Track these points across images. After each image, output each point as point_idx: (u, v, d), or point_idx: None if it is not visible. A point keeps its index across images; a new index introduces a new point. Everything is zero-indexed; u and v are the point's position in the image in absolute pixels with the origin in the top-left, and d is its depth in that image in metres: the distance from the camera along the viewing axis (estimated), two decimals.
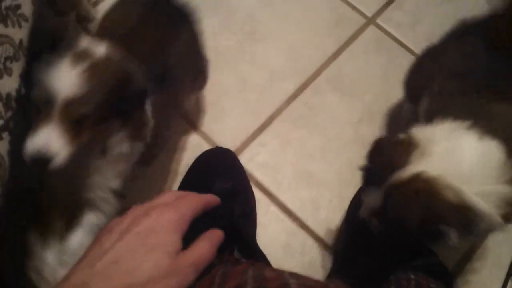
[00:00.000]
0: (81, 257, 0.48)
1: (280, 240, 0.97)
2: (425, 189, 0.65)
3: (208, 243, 0.52)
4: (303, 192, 1.02)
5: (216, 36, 1.15)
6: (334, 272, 0.89)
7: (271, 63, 1.14)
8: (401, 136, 0.71)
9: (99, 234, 0.51)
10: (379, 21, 1.20)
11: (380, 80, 1.13)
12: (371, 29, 1.19)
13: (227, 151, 1.01)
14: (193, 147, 1.03)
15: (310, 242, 0.97)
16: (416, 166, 0.66)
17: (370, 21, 1.20)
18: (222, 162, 0.98)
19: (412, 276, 0.71)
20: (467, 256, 0.98)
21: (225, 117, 1.08)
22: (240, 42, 1.15)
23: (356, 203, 0.91)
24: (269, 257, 0.87)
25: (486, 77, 0.78)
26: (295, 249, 0.96)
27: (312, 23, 1.19)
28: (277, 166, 1.04)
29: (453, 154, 0.67)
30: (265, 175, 1.03)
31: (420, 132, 0.70)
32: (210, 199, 0.58)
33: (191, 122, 1.06)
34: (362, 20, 1.20)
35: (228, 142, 1.05)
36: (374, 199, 0.71)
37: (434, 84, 0.83)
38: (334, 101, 1.11)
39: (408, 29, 1.20)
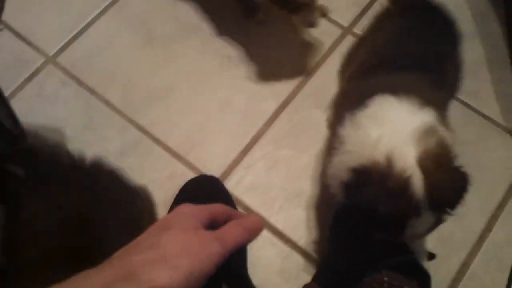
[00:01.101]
0: None
1: (274, 265, 0.95)
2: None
3: (237, 226, 0.50)
4: (294, 212, 1.00)
5: (193, 60, 1.15)
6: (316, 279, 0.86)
7: (251, 86, 1.12)
8: None
9: None
10: (356, 30, 1.19)
11: None
12: (349, 39, 1.18)
13: (212, 178, 0.99)
14: (178, 177, 1.01)
15: (304, 264, 0.94)
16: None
17: (347, 31, 1.19)
18: (207, 190, 0.97)
19: (386, 279, 0.68)
20: (468, 261, 0.95)
21: (209, 143, 1.06)
22: (219, 66, 1.15)
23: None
24: (264, 285, 0.84)
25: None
26: (290, 273, 0.94)
27: (288, 39, 1.18)
28: (266, 188, 1.02)
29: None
30: (253, 198, 1.01)
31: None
32: (236, 212, 0.56)
33: (174, 151, 1.04)
34: (339, 31, 1.19)
35: (213, 168, 1.03)
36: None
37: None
38: (318, 116, 1.09)
39: None
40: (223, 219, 0.53)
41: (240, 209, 0.99)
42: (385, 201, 0.63)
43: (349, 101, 0.82)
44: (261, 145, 1.06)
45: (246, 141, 1.06)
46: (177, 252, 0.44)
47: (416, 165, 0.65)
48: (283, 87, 1.12)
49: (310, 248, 0.96)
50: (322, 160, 1.03)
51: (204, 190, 0.96)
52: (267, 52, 1.16)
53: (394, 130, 0.68)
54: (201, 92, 1.11)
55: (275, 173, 1.04)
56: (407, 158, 0.65)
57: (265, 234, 0.97)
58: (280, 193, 1.02)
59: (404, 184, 0.63)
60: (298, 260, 0.95)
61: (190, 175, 1.01)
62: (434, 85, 0.81)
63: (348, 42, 1.17)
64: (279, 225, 0.99)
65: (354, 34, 1.18)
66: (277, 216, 1.00)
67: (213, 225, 0.52)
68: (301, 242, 0.97)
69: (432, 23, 0.92)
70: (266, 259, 0.95)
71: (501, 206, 1.00)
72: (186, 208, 0.51)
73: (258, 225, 0.52)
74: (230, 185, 1.01)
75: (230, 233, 0.49)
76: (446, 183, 0.66)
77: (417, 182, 0.64)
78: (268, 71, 1.14)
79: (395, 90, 0.73)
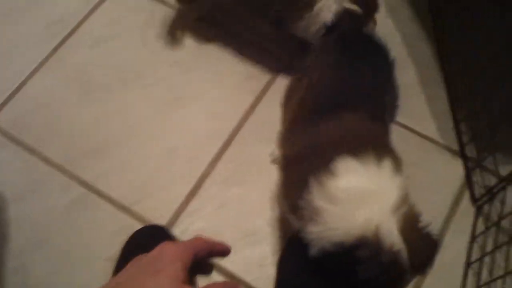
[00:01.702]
0: None
1: None
2: None
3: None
4: (246, 252, 0.99)
5: (134, 109, 1.15)
6: None
7: (194, 128, 1.13)
8: None
9: None
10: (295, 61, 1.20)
11: None
12: (286, 73, 1.19)
13: (158, 227, 0.98)
14: (126, 229, 0.99)
15: None
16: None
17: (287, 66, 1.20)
18: (153, 241, 0.95)
19: None
20: (419, 285, 0.96)
21: (154, 192, 1.05)
22: (160, 112, 1.15)
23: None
24: None
25: None
26: None
27: (227, 82, 1.19)
28: (215, 231, 1.01)
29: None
30: None
31: None
32: (219, 246, 0.55)
33: (120, 204, 1.04)
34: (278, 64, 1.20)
35: (160, 216, 1.02)
36: None
37: None
38: (262, 151, 1.10)
39: None
40: (205, 254, 0.52)
41: None
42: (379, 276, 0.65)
43: (306, 159, 0.80)
44: (208, 187, 1.06)
45: (191, 185, 1.06)
46: None
47: (400, 236, 0.65)
48: (225, 126, 1.13)
49: (266, 287, 0.95)
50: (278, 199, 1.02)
51: (150, 241, 0.94)
52: (208, 91, 1.17)
53: (374, 204, 0.67)
54: (143, 141, 1.10)
55: (224, 214, 1.03)
56: (393, 232, 0.65)
57: (217, 278, 0.96)
58: (231, 234, 1.01)
59: (395, 258, 0.64)
60: None
61: (138, 226, 1.00)
62: (379, 122, 0.84)
63: (286, 76, 1.19)
64: (233, 268, 0.98)
65: (293, 66, 1.20)
66: (230, 259, 0.98)
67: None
68: (255, 282, 0.96)
69: (365, 54, 0.94)
70: None
71: (447, 222, 1.02)
72: (172, 250, 0.51)
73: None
74: (178, 232, 1.00)
75: None
76: (422, 250, 0.68)
77: (404, 254, 0.65)
78: (209, 111, 1.15)
79: (352, 148, 0.73)
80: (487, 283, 0.90)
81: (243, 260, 0.98)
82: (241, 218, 1.03)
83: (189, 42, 1.24)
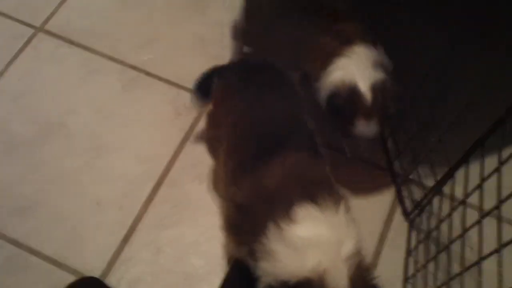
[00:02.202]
0: None
1: None
2: None
3: None
4: None
5: (59, 161, 1.12)
6: None
7: (122, 174, 1.11)
8: None
9: None
10: None
11: None
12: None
13: (90, 279, 0.96)
14: (60, 285, 0.96)
15: None
16: None
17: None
18: None
19: None
20: None
21: (86, 243, 1.03)
22: (87, 162, 1.12)
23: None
24: None
25: None
26: None
27: (153, 119, 1.18)
28: (153, 277, 1.00)
29: None
30: None
31: None
32: None
33: (53, 259, 1.01)
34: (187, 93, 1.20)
35: (94, 267, 1.00)
36: None
37: None
38: (194, 189, 1.09)
39: None
40: None
41: None
42: None
43: (260, 204, 0.79)
44: (141, 232, 1.04)
45: (124, 231, 1.04)
46: None
47: (348, 285, 0.67)
48: (155, 167, 1.12)
49: None
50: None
51: None
52: (134, 135, 1.16)
53: (327, 250, 0.69)
54: (71, 193, 1.08)
55: (161, 257, 1.02)
56: (341, 279, 0.67)
57: None
58: (170, 278, 0.99)
59: None
60: None
61: (72, 280, 0.97)
62: (319, 157, 0.86)
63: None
64: None
65: None
66: None
67: None
68: None
69: (274, 85, 0.94)
70: None
71: (382, 239, 1.03)
72: None
73: None
74: (115, 281, 0.98)
75: None
76: None
77: None
78: (137, 155, 1.13)
79: (307, 191, 0.74)
80: None
81: None
82: (179, 260, 1.01)
83: (113, 85, 1.23)
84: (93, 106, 1.20)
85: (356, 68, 0.92)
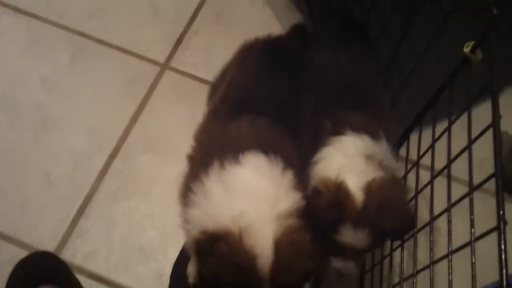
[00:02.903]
0: None
1: None
2: None
3: None
4: (141, 268, 0.97)
5: (5, 135, 1.07)
6: None
7: (72, 147, 1.07)
8: None
9: None
10: (173, 64, 1.17)
11: (190, 123, 1.09)
12: (168, 75, 1.16)
13: (44, 253, 0.93)
14: (11, 261, 0.92)
15: None
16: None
17: (164, 67, 1.17)
18: (41, 268, 0.90)
19: None
20: None
21: (37, 218, 1.00)
22: (35, 135, 1.08)
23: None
24: None
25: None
26: None
27: (105, 90, 1.14)
28: (108, 249, 0.98)
29: None
30: (96, 264, 0.96)
31: None
32: None
33: (3, 234, 0.97)
34: (156, 69, 1.17)
35: (47, 242, 0.97)
36: None
37: None
38: (148, 161, 1.06)
39: (202, 65, 1.18)
40: None
41: (84, 278, 0.94)
42: (226, 275, 0.62)
43: (219, 144, 0.76)
44: (95, 205, 1.02)
45: (77, 205, 1.01)
46: None
47: (271, 246, 0.62)
48: (108, 140, 1.08)
49: None
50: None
51: (37, 268, 0.90)
52: (85, 107, 1.11)
53: (259, 207, 0.65)
54: (18, 168, 1.04)
55: (115, 230, 1.00)
56: (262, 238, 0.63)
57: None
58: (125, 251, 0.97)
59: (250, 262, 0.61)
60: None
61: (24, 255, 0.94)
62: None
63: (168, 78, 1.15)
64: (130, 284, 0.94)
65: (172, 69, 1.17)
66: (125, 276, 0.95)
67: None
68: None
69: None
70: None
71: None
72: None
73: None
74: (68, 256, 0.95)
75: None
76: (294, 270, 0.64)
77: (265, 262, 0.62)
78: (88, 127, 1.10)
79: (265, 146, 0.72)
80: None
81: (139, 275, 0.96)
82: (134, 232, 1.00)
83: (61, 55, 1.18)
84: (40, 76, 1.14)
85: (345, 161, 0.73)
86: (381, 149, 0.75)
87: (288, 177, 0.70)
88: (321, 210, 0.69)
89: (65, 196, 1.02)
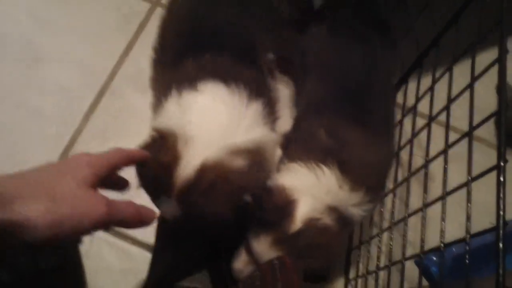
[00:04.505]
0: None
1: (115, 268, 0.89)
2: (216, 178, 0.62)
3: (132, 206, 0.52)
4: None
5: None
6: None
7: (63, 84, 1.03)
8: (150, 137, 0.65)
9: None
10: (164, 1, 1.12)
11: None
12: (159, 12, 1.11)
13: None
14: None
15: (145, 256, 0.89)
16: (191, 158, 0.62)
17: (156, 4, 1.12)
18: None
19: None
20: None
21: (25, 156, 0.96)
22: (25, 72, 1.04)
23: None
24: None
25: None
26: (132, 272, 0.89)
27: (95, 29, 1.09)
28: None
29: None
30: None
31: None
32: (134, 152, 0.58)
33: None
34: (147, 6, 1.12)
35: None
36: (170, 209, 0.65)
37: None
38: (138, 99, 1.03)
39: None
40: (122, 164, 0.55)
41: None
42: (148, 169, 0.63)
43: (181, 72, 0.74)
44: (83, 143, 0.99)
45: (64, 143, 0.98)
46: (62, 198, 0.45)
47: (194, 167, 0.62)
48: (97, 76, 1.04)
49: (149, 239, 0.91)
50: None
51: None
52: (74, 42, 1.07)
53: (209, 129, 0.64)
54: (8, 106, 1.00)
55: None
56: (192, 156, 0.62)
57: (101, 235, 0.91)
58: (111, 194, 0.95)
59: (168, 167, 0.62)
60: (139, 253, 0.90)
61: None
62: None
63: (159, 15, 1.10)
64: None
65: (163, 6, 1.12)
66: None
67: (114, 172, 0.54)
68: (139, 236, 0.92)
69: None
70: (106, 265, 0.89)
71: None
72: (81, 156, 0.51)
73: (151, 216, 0.54)
74: None
75: (122, 207, 0.50)
76: (203, 203, 0.63)
77: (181, 176, 0.61)
78: (77, 65, 1.05)
79: (226, 77, 0.69)
80: None
81: None
82: (121, 173, 0.97)
83: None
84: (31, 12, 1.09)
85: (313, 191, 0.69)
86: (351, 199, 0.70)
87: (254, 109, 0.67)
88: (265, 206, 0.68)
89: (52, 134, 0.99)
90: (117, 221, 0.50)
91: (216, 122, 0.65)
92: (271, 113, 0.70)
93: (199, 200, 0.63)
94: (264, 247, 0.68)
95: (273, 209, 0.67)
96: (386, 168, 0.76)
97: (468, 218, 0.54)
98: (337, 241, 0.72)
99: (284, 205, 0.67)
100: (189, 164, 0.61)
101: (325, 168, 0.68)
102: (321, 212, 0.67)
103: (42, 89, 1.03)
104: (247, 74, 0.72)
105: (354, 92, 0.76)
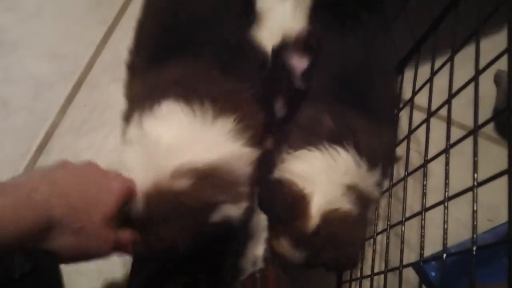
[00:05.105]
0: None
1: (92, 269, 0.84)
2: None
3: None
4: None
5: None
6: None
7: (32, 73, 0.96)
8: None
9: None
10: None
11: None
12: (137, 1, 1.04)
13: None
14: None
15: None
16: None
17: None
18: None
19: None
20: None
21: None
22: None
23: None
24: None
25: None
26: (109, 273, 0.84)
27: (69, 13, 1.02)
28: None
29: None
30: None
31: None
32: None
33: None
34: None
35: (4, 178, 0.88)
36: None
37: None
38: (118, 91, 0.96)
39: None
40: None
41: None
42: None
43: (147, 84, 0.69)
44: (59, 138, 0.93)
45: (39, 139, 0.92)
46: (86, 235, 0.51)
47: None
48: (73, 66, 0.98)
49: None
50: None
51: None
52: (45, 29, 1.00)
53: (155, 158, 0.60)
54: None
55: None
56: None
57: None
58: None
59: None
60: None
61: None
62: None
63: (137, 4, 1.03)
64: None
65: None
66: None
67: None
68: None
69: None
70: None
71: None
72: (115, 185, 0.55)
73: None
74: None
75: (125, 239, 0.57)
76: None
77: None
78: (50, 52, 0.98)
79: (187, 92, 0.63)
80: None
81: None
82: None
83: None
84: None
85: (324, 179, 0.66)
86: (369, 178, 0.66)
87: (222, 125, 0.62)
88: (275, 203, 0.65)
89: (23, 129, 0.92)
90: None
91: (164, 151, 0.60)
92: (247, 127, 0.63)
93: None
94: (285, 249, 0.65)
95: (284, 208, 0.64)
96: (394, 149, 0.73)
97: (474, 227, 0.49)
98: (360, 225, 0.67)
99: (295, 203, 0.63)
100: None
101: (340, 149, 0.64)
102: (340, 195, 0.63)
103: (9, 78, 0.96)
104: (221, 85, 0.65)
105: (354, 75, 0.71)
